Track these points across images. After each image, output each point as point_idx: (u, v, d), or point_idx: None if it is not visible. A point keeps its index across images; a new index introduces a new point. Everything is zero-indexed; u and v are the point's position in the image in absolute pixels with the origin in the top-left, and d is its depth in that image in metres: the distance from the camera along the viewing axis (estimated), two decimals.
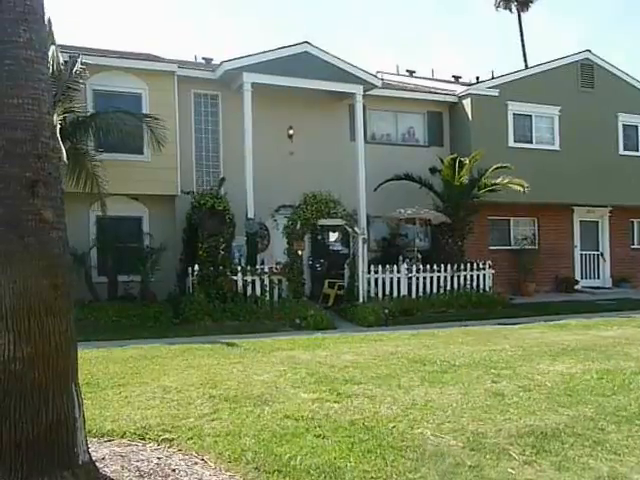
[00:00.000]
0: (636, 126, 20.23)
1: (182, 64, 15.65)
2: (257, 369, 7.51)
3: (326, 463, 4.40)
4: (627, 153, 19.97)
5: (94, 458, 4.05)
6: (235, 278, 13.43)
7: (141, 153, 14.15)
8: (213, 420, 5.36)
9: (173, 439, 4.87)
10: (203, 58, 19.59)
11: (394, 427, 5.27)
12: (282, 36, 59.54)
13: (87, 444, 3.90)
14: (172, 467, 4.24)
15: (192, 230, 14.07)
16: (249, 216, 14.50)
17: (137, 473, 4.08)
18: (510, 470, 4.39)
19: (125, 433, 4.99)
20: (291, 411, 5.64)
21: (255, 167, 14.69)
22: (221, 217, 13.68)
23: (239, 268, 13.57)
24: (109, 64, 14.05)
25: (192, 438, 4.88)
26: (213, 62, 18.33)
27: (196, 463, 4.37)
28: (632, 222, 21.39)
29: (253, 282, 13.61)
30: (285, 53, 15.21)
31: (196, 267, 13.11)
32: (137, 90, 14.39)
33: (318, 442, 4.84)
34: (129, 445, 4.71)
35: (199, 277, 13.07)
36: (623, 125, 19.99)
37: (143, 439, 4.87)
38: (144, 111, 14.12)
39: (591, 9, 64.34)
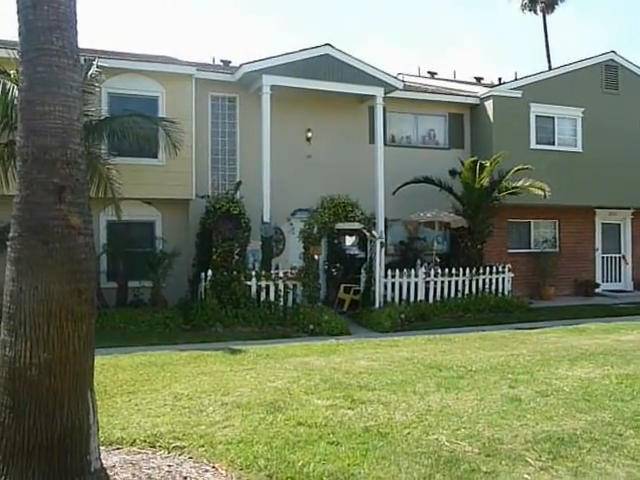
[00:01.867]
0: None
1: (200, 67, 15.71)
2: (270, 375, 7.55)
3: (339, 470, 4.44)
4: None
5: (104, 466, 4.10)
6: (249, 283, 13.46)
7: (156, 157, 14.23)
8: (225, 427, 5.40)
9: (184, 447, 4.91)
10: (221, 60, 19.72)
11: (409, 433, 5.30)
12: (301, 38, 59.75)
13: (99, 452, 3.95)
14: (183, 475, 4.29)
15: (206, 235, 14.13)
16: (265, 220, 14.53)
17: None
18: (526, 476, 4.41)
19: (135, 441, 5.04)
20: (304, 418, 5.68)
21: (272, 170, 14.72)
22: (236, 221, 13.73)
23: (253, 273, 13.60)
24: (125, 67, 14.16)
25: (203, 446, 4.93)
26: (231, 64, 18.47)
27: (207, 471, 4.42)
28: None
29: (267, 287, 13.63)
30: (306, 55, 15.28)
31: (209, 272, 13.16)
32: (154, 93, 14.50)
33: (331, 449, 4.88)
34: (139, 453, 4.76)
35: (212, 282, 13.10)
36: None
37: (153, 447, 4.92)
38: (160, 114, 14.21)
39: (617, 11, 63.76)
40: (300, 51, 15.30)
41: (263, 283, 13.62)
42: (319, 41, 15.64)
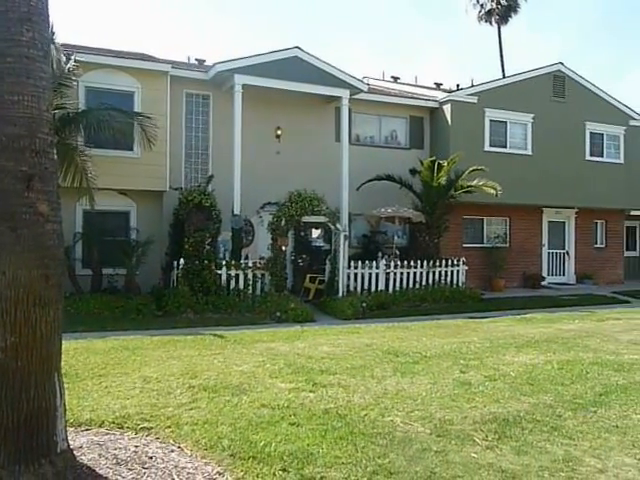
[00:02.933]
0: (602, 134, 20.41)
1: (175, 64, 15.50)
2: (237, 360, 7.47)
3: (299, 450, 4.40)
4: (593, 159, 20.16)
5: (72, 447, 3.99)
6: (219, 272, 13.35)
7: (131, 150, 13.97)
8: (191, 409, 5.32)
9: (151, 428, 4.82)
10: (196, 59, 19.42)
11: (366, 415, 5.28)
12: (273, 40, 59.25)
13: (66, 433, 3.84)
14: (149, 455, 4.19)
15: (179, 225, 13.94)
16: (235, 212, 14.44)
17: (114, 461, 4.02)
18: (473, 455, 4.43)
19: (103, 422, 4.92)
20: (268, 400, 5.62)
21: (243, 165, 14.65)
22: (208, 213, 13.60)
23: (224, 262, 13.49)
24: (103, 62, 13.85)
25: (170, 427, 4.84)
26: (205, 63, 18.21)
27: (173, 451, 4.33)
28: (596, 223, 21.59)
29: (237, 276, 13.55)
30: (276, 57, 15.18)
31: (181, 261, 13.01)
32: (130, 88, 14.20)
33: (293, 430, 4.84)
34: (107, 434, 4.64)
35: (184, 271, 12.96)
36: (590, 133, 20.16)
37: (121, 428, 4.81)
38: (136, 109, 13.94)
39: (566, 24, 64.82)
40: (270, 52, 15.18)
41: (233, 272, 13.52)
42: (291, 43, 15.54)
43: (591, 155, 20.16)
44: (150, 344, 8.65)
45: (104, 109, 12.66)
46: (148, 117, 12.93)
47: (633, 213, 22.16)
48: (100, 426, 4.84)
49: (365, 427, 4.96)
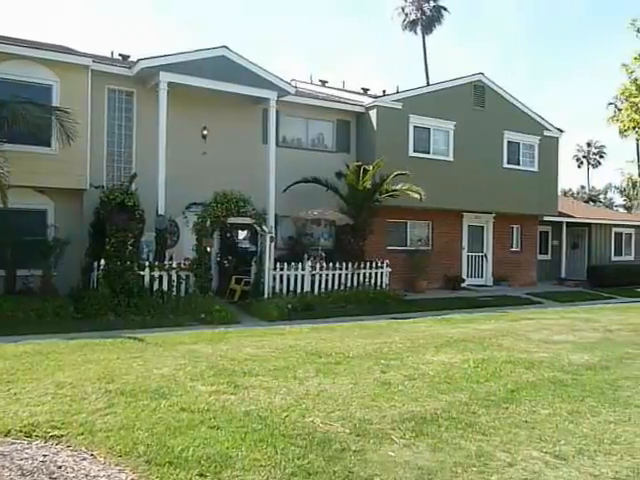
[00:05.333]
0: (518, 143, 21.35)
1: (97, 59, 14.89)
2: (157, 363, 7.26)
3: (218, 453, 4.32)
4: (510, 166, 21.06)
5: None
6: (142, 273, 12.98)
7: (49, 146, 13.31)
8: (107, 415, 5.11)
9: (62, 436, 4.59)
10: (120, 54, 18.76)
11: (287, 416, 5.26)
12: (202, 40, 58.41)
13: None
14: (58, 464, 3.98)
15: (100, 225, 13.41)
16: (159, 212, 14.10)
17: (19, 472, 3.79)
18: (390, 453, 4.49)
19: (10, 431, 4.64)
20: (187, 404, 5.49)
21: (168, 165, 14.33)
22: (130, 212, 13.19)
23: (147, 263, 13.13)
24: (18, 53, 13.08)
25: (83, 434, 4.63)
26: (130, 59, 17.64)
27: (84, 459, 4.14)
28: (512, 228, 22.58)
29: (160, 277, 13.22)
30: (203, 55, 14.93)
31: (102, 262, 12.55)
32: (48, 82, 13.51)
33: (212, 433, 4.75)
34: (13, 444, 4.37)
35: (104, 272, 12.50)
36: (507, 142, 21.06)
37: (29, 437, 4.55)
38: (54, 103, 13.30)
39: (491, 36, 67.46)
40: (198, 51, 14.93)
41: (156, 273, 13.19)
42: (222, 43, 15.29)
43: (508, 163, 21.04)
44: (66, 348, 8.27)
45: (19, 102, 12.02)
46: (67, 112, 12.41)
47: (546, 219, 23.32)
48: (6, 435, 4.56)
49: (285, 428, 4.93)
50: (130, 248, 13.02)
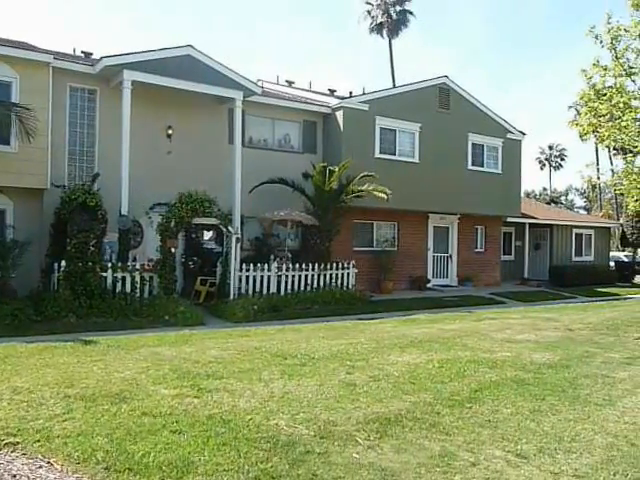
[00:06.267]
0: (482, 145, 21.68)
1: (59, 56, 14.57)
2: (119, 366, 7.10)
3: (180, 458, 4.24)
4: (474, 168, 21.36)
5: None
6: (104, 274, 12.72)
7: (7, 144, 12.97)
8: (65, 420, 4.96)
9: (18, 443, 4.43)
10: (82, 52, 18.39)
11: (251, 419, 5.19)
12: (169, 38, 57.76)
13: None
14: (13, 473, 3.84)
15: (61, 225, 13.11)
16: (123, 213, 13.84)
17: None
18: (355, 455, 4.47)
19: None
20: (149, 408, 5.38)
21: (132, 164, 14.08)
22: (93, 213, 12.94)
23: (109, 264, 12.87)
24: None
25: (39, 440, 4.48)
26: (93, 57, 17.30)
27: (41, 467, 4.00)
28: (476, 229, 22.91)
29: (123, 279, 12.97)
30: (168, 54, 14.72)
31: (63, 263, 12.25)
32: (6, 78, 13.14)
33: (174, 438, 4.66)
34: None
35: (65, 273, 12.20)
36: (472, 144, 21.35)
37: None
38: (14, 100, 12.94)
39: (457, 40, 68.45)
40: (162, 49, 14.72)
41: (119, 275, 12.94)
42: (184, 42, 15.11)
43: (472, 165, 21.34)
44: (24, 352, 8.01)
45: None
46: (27, 109, 12.11)
47: (509, 220, 23.72)
48: None
49: (249, 432, 4.87)
50: (92, 249, 12.76)
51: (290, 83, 22.97)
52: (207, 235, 16.69)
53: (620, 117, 10.68)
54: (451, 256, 22.04)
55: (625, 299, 20.30)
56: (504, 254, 24.69)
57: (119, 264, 13.07)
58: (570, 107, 51.38)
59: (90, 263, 12.56)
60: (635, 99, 10.58)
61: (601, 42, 10.37)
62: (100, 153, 15.02)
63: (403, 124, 19.44)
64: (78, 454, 4.24)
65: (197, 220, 14.37)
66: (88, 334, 9.98)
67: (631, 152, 11.58)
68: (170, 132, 15.87)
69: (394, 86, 27.98)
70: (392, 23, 44.80)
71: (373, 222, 19.99)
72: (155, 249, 13.85)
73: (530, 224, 25.35)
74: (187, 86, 14.94)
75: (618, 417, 5.65)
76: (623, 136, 10.72)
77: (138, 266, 13.29)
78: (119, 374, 6.68)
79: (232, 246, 14.59)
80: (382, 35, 45.37)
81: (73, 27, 55.12)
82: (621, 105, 10.55)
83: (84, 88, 14.91)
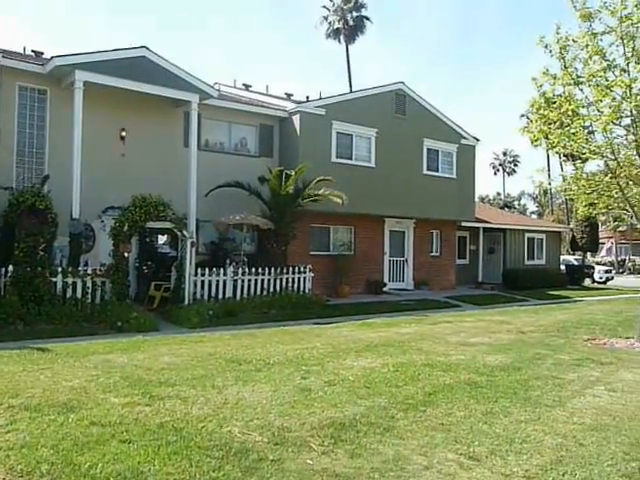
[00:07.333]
0: (437, 150, 22.02)
1: (7, 54, 14.11)
2: (67, 375, 6.88)
3: (129, 469, 4.13)
4: (429, 173, 21.68)
5: None
6: (54, 280, 12.34)
7: None
8: (8, 432, 4.78)
9: None
10: (32, 51, 17.84)
11: (203, 427, 5.11)
12: (125, 40, 56.75)
13: None
14: None
15: (8, 229, 12.66)
16: (74, 216, 13.46)
17: None
18: (309, 461, 4.44)
19: None
20: (98, 417, 5.23)
21: (83, 167, 13.71)
22: (42, 216, 12.52)
23: (59, 269, 12.49)
24: None
25: None
26: (44, 56, 16.81)
27: None
28: (432, 233, 23.24)
29: (74, 284, 12.61)
30: (122, 55, 14.42)
31: (10, 268, 11.83)
32: None
33: (123, 448, 4.54)
34: None
35: (13, 278, 11.78)
36: (427, 149, 21.67)
37: None
38: None
39: (413, 46, 69.49)
40: (116, 50, 14.41)
41: (70, 280, 12.56)
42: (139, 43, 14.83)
43: (428, 170, 21.65)
44: None
45: None
46: None
47: (464, 224, 24.16)
48: None
49: (202, 440, 4.78)
50: (41, 253, 12.35)
51: (247, 87, 22.86)
52: (162, 239, 16.44)
53: (569, 124, 10.97)
54: (407, 260, 22.28)
55: (575, 301, 20.90)
56: (459, 258, 25.11)
57: (70, 269, 12.69)
58: (522, 115, 52.72)
59: (39, 268, 12.16)
60: (583, 107, 10.88)
61: (550, 52, 10.63)
62: (51, 155, 14.62)
63: (360, 129, 19.57)
64: (21, 467, 4.09)
65: (151, 224, 14.07)
66: (36, 341, 9.66)
67: (580, 158, 11.90)
68: (124, 134, 15.57)
69: (351, 91, 28.15)
70: (349, 29, 45.19)
71: (330, 226, 20.04)
72: (108, 253, 13.49)
73: (484, 228, 25.89)
74: (141, 88, 14.68)
75: (567, 418, 5.78)
76: (572, 143, 11.00)
77: (90, 271, 12.93)
78: (67, 383, 6.47)
79: (187, 250, 14.37)
80: (339, 40, 45.76)
81: (29, 27, 53.62)
82: (570, 113, 10.83)
83: (34, 88, 14.50)
